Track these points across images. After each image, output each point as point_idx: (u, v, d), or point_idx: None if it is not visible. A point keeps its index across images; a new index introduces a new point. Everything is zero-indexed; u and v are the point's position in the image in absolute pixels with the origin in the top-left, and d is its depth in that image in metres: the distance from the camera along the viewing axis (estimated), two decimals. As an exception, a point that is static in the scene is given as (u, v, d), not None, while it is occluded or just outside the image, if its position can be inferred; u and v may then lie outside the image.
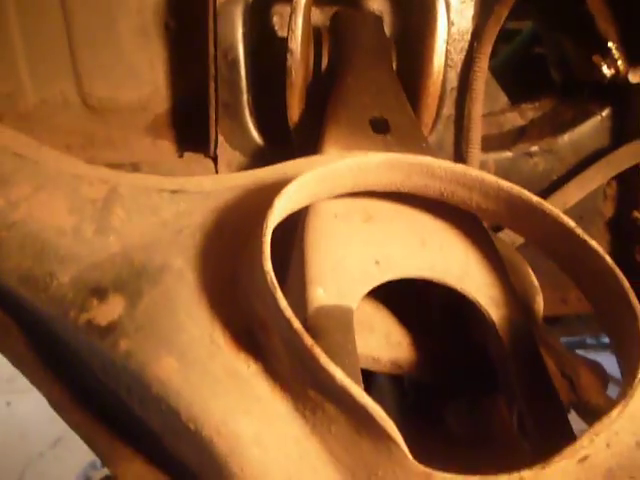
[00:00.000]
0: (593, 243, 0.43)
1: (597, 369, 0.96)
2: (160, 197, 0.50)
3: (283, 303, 0.33)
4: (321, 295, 0.42)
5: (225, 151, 0.78)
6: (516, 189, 0.46)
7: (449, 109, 0.81)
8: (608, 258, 0.41)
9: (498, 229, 0.84)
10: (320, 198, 0.47)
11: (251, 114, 0.78)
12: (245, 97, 0.77)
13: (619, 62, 0.74)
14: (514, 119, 0.93)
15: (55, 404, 0.40)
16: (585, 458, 0.33)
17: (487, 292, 0.46)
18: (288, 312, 0.33)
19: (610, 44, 0.74)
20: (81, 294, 0.41)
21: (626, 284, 0.40)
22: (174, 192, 0.50)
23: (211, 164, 0.80)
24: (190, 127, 0.87)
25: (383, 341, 0.50)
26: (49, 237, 0.46)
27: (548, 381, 0.42)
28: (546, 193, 0.84)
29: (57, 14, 0.82)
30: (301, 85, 0.72)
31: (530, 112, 0.92)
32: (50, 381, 0.41)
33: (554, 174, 0.86)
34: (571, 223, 0.44)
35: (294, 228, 0.48)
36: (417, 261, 0.47)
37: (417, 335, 0.51)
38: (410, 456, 0.31)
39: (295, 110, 0.73)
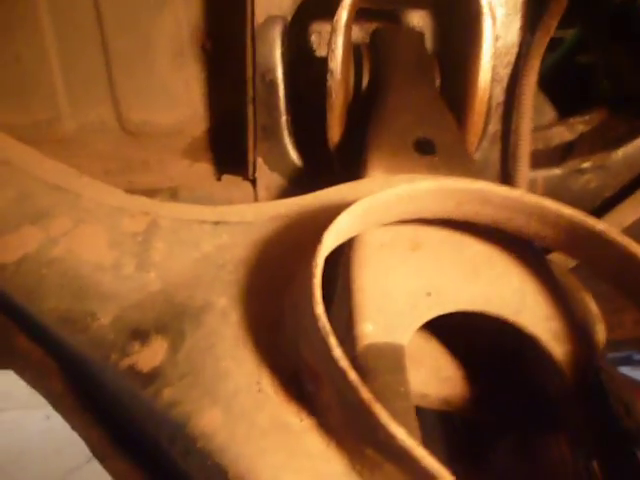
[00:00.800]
0: None
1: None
2: (201, 229, 0.48)
3: (337, 352, 0.30)
4: (370, 331, 0.38)
5: (264, 174, 0.76)
6: (578, 217, 0.42)
7: (495, 125, 0.77)
8: None
9: (548, 251, 0.80)
10: (367, 228, 0.44)
11: (290, 135, 0.76)
12: (284, 119, 0.75)
13: (678, 73, 0.70)
14: (562, 134, 0.88)
15: (93, 448, 0.38)
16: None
17: (547, 326, 0.42)
18: (343, 362, 0.30)
19: (668, 54, 0.69)
20: (122, 336, 0.39)
21: None
22: (216, 224, 0.48)
23: (250, 187, 0.78)
24: (228, 149, 0.86)
25: (432, 376, 0.47)
26: (89, 273, 0.44)
27: (618, 423, 0.39)
28: (599, 212, 0.80)
29: (95, 40, 0.82)
30: (342, 105, 0.70)
31: (579, 126, 0.88)
32: (88, 425, 0.39)
33: (607, 192, 0.81)
34: (624, 239, 0.40)
35: (337, 257, 0.45)
36: (470, 293, 0.43)
37: (467, 370, 0.47)
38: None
39: (336, 131, 0.71)
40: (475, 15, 0.67)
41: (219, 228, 0.48)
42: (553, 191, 0.81)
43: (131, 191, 0.54)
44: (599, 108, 0.88)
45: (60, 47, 0.82)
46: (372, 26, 0.82)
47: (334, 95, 0.67)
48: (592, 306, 0.58)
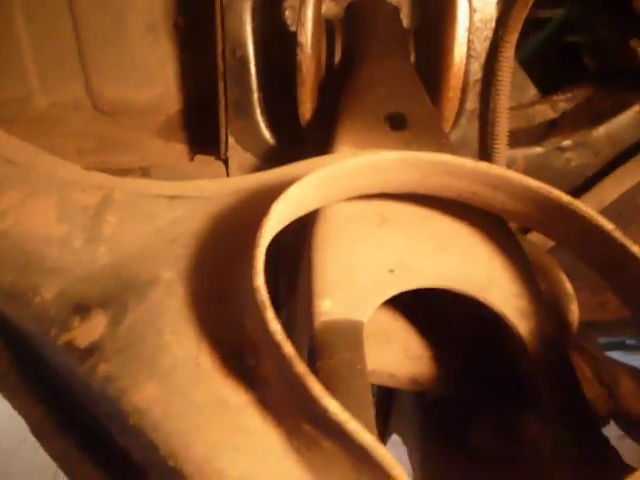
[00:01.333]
0: (634, 248, 0.37)
1: (639, 376, 0.89)
2: (156, 203, 0.46)
3: (273, 325, 0.29)
4: (329, 308, 0.37)
5: (236, 153, 0.75)
6: (544, 188, 0.40)
7: (473, 103, 0.76)
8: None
9: (527, 231, 0.79)
10: (330, 201, 0.43)
11: (263, 113, 0.74)
12: (256, 95, 0.73)
13: (660, 46, 0.68)
14: (545, 111, 0.87)
15: (34, 429, 0.37)
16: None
17: (514, 303, 0.41)
18: (279, 335, 0.29)
19: (650, 27, 0.68)
20: (64, 311, 0.38)
21: None
22: (172, 197, 0.47)
23: (223, 167, 0.77)
24: (203, 128, 0.84)
25: (401, 355, 0.46)
26: (35, 247, 0.43)
27: (583, 401, 0.38)
28: (581, 190, 0.79)
29: (65, 16, 0.80)
30: (313, 81, 0.68)
31: (562, 104, 0.86)
32: (31, 404, 0.38)
33: (589, 170, 0.80)
34: (608, 225, 0.38)
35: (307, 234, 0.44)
36: (436, 269, 0.42)
37: (438, 348, 0.46)
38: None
39: (307, 107, 0.69)
40: (450, -13, 0.65)
41: (175, 202, 0.46)
42: (534, 170, 0.80)
43: (103, 170, 0.53)
44: (582, 85, 0.86)
45: (30, 24, 0.81)
46: (346, 1, 0.80)
47: (304, 69, 0.66)
48: (566, 285, 0.56)
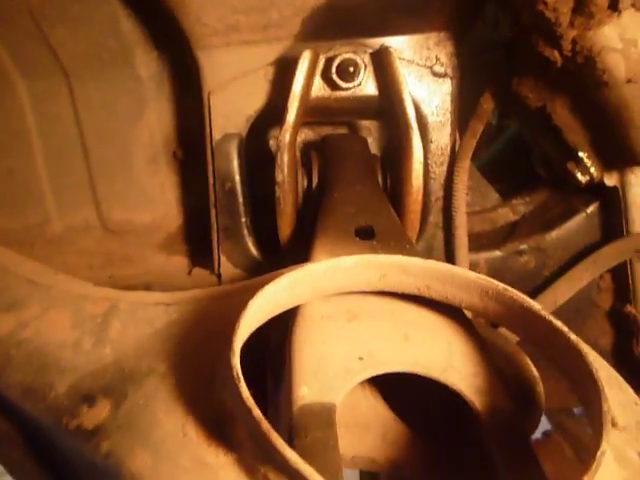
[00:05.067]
0: (558, 323, 0.44)
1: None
2: (156, 310, 0.55)
3: (245, 393, 0.36)
4: (305, 394, 0.43)
5: (227, 269, 0.85)
6: (482, 278, 0.48)
7: (436, 217, 0.85)
8: (573, 336, 0.43)
9: (496, 325, 0.86)
10: (301, 301, 0.50)
11: (250, 234, 0.84)
12: (243, 220, 0.84)
13: (592, 169, 0.78)
14: (506, 215, 0.96)
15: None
16: None
17: (471, 382, 0.47)
18: (250, 402, 0.35)
19: (581, 154, 0.77)
20: (74, 401, 0.46)
21: (589, 360, 0.41)
22: (169, 305, 0.55)
23: (217, 280, 0.87)
24: (200, 242, 0.94)
25: (380, 440, 0.52)
26: (51, 351, 0.52)
27: (540, 475, 0.41)
28: (539, 291, 0.87)
29: (78, 152, 0.92)
30: (291, 209, 0.78)
31: (521, 207, 0.96)
32: None
33: (546, 271, 0.88)
34: (536, 306, 0.45)
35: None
36: (400, 356, 0.48)
37: (415, 433, 0.51)
38: None
39: (286, 231, 0.79)
40: (404, 127, 0.76)
41: (171, 308, 0.55)
42: (496, 272, 0.89)
43: (112, 285, 0.62)
44: (539, 189, 0.96)
45: (47, 160, 0.93)
46: (323, 129, 0.92)
47: (282, 204, 0.76)
48: (531, 370, 0.60)
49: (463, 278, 0.49)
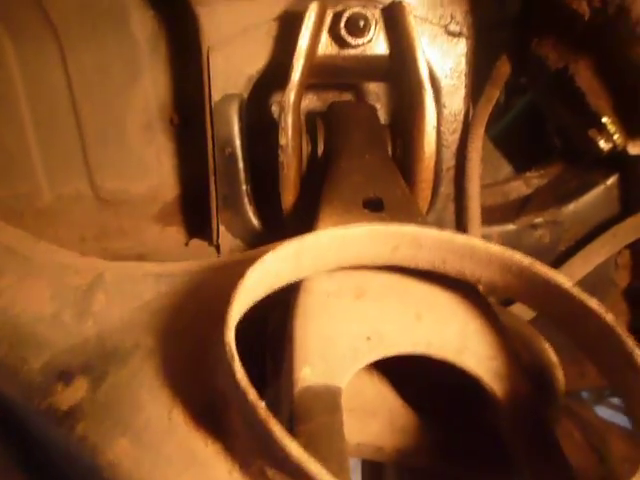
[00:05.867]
0: (592, 303, 0.40)
1: (635, 439, 0.91)
2: (144, 281, 0.50)
3: (240, 373, 0.32)
4: (308, 375, 0.40)
5: (227, 240, 0.80)
6: (507, 252, 0.44)
7: (447, 187, 0.81)
8: (610, 317, 0.39)
9: (509, 303, 0.82)
10: (304, 274, 0.46)
11: (250, 203, 0.80)
12: (244, 188, 0.79)
13: (615, 136, 0.73)
14: (519, 188, 0.92)
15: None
16: None
17: (489, 365, 0.43)
18: (244, 382, 0.32)
19: (604, 119, 0.73)
20: (48, 379, 0.41)
21: (629, 346, 0.37)
22: (159, 275, 0.51)
23: (215, 252, 0.82)
24: (198, 213, 0.90)
25: (387, 427, 0.48)
26: (27, 322, 0.47)
27: (563, 465, 0.39)
28: (554, 266, 0.83)
29: (69, 118, 0.87)
30: (294, 176, 0.74)
31: (535, 180, 0.91)
32: (12, 470, 0.41)
33: (561, 246, 0.84)
34: (567, 283, 0.41)
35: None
36: (411, 336, 0.45)
37: (424, 420, 0.48)
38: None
39: (289, 200, 0.75)
40: (417, 88, 0.71)
41: (161, 279, 0.50)
42: (509, 246, 0.84)
43: (104, 256, 0.57)
44: (554, 162, 0.92)
45: (37, 126, 0.88)
46: (329, 94, 0.87)
47: (286, 169, 0.72)
48: (550, 355, 0.57)
49: (484, 252, 0.44)
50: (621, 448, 0.93)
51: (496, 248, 0.44)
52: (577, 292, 0.41)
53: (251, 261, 0.41)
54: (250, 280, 0.39)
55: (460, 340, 0.44)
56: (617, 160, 0.81)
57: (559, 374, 0.56)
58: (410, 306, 0.47)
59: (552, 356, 0.58)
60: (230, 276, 0.48)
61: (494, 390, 0.42)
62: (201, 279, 0.50)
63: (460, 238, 0.45)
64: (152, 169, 0.89)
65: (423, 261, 0.46)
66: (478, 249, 0.44)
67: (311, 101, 0.87)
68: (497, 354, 0.44)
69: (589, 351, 0.42)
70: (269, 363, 0.51)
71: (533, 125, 1.00)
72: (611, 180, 0.83)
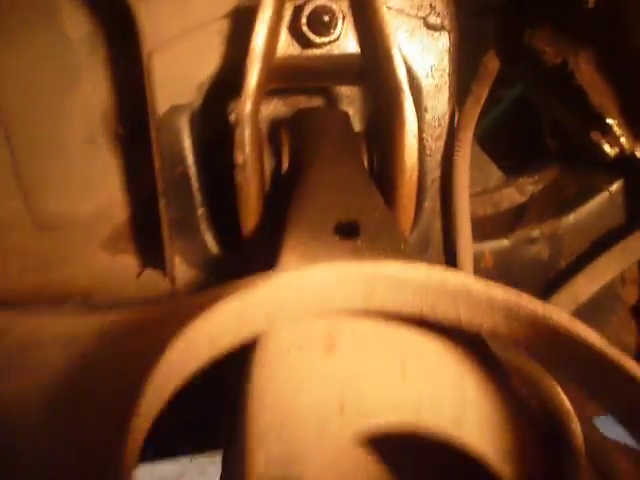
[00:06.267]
0: (628, 362, 0.31)
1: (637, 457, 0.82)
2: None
3: None
4: (262, 464, 0.31)
5: (182, 271, 0.70)
6: (514, 297, 0.34)
7: (432, 201, 0.71)
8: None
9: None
10: (257, 331, 0.36)
11: (208, 228, 0.70)
12: (200, 211, 0.69)
13: (622, 139, 0.64)
14: (512, 196, 0.83)
15: None
16: None
17: (494, 440, 0.34)
18: None
19: (609, 120, 0.64)
20: None
21: None
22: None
23: (169, 284, 0.72)
24: (152, 237, 0.79)
25: None
26: None
27: None
28: (555, 285, 0.74)
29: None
30: (255, 196, 0.63)
31: (529, 187, 0.82)
32: None
33: (562, 262, 0.75)
34: (598, 341, 0.32)
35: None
36: (396, 401, 0.35)
37: None
38: None
39: (251, 223, 0.64)
40: (394, 91, 0.61)
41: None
42: (504, 264, 0.75)
43: (47, 291, 0.47)
44: (549, 165, 0.83)
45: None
46: (296, 100, 0.76)
47: (245, 189, 0.61)
48: (562, 400, 0.49)
49: (484, 296, 0.35)
50: (626, 469, 0.86)
51: (499, 291, 0.34)
52: (614, 354, 0.32)
53: (176, 323, 0.31)
54: (165, 365, 0.29)
55: (457, 406, 0.34)
56: (621, 163, 0.72)
57: (575, 426, 0.47)
58: (393, 360, 0.36)
59: (566, 403, 0.48)
60: (148, 344, 0.38)
61: (503, 474, 0.32)
62: (112, 345, 0.39)
63: (453, 278, 0.35)
64: (97, 187, 0.79)
65: (407, 306, 0.36)
66: (477, 292, 0.35)
67: (275, 108, 0.77)
68: (504, 424, 0.34)
69: (611, 409, 0.33)
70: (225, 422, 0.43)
71: (523, 121, 0.90)
72: (615, 186, 0.74)
